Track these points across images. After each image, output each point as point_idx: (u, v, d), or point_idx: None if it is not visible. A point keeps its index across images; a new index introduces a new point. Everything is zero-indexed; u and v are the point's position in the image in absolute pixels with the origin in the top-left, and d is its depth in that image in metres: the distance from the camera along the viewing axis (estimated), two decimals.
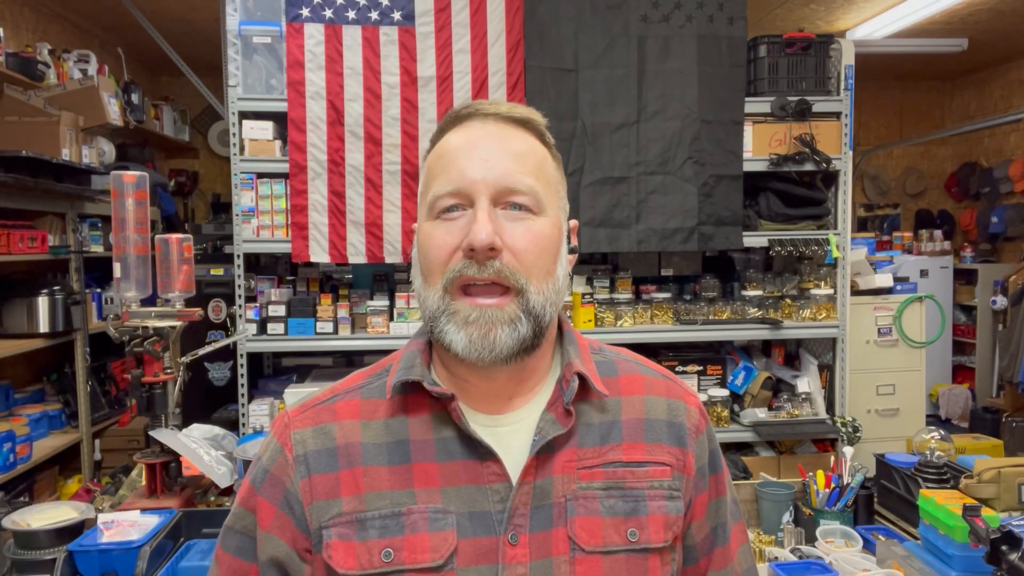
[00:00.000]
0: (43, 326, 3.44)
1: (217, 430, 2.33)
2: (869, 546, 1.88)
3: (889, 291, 3.88)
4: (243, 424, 3.16)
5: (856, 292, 3.76)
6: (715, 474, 0.91)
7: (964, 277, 6.30)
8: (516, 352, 0.78)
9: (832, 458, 2.40)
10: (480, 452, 0.80)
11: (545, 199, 0.81)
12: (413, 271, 0.85)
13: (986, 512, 1.57)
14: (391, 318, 3.30)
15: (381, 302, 3.31)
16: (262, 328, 3.23)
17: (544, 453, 0.81)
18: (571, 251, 0.88)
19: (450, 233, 0.79)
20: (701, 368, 3.51)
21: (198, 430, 2.27)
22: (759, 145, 3.46)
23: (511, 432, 0.83)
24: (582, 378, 0.84)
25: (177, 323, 2.16)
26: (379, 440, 0.82)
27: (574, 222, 0.91)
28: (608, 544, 0.80)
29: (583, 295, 3.43)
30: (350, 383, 0.88)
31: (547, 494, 0.80)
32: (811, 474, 2.07)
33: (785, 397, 3.51)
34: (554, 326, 0.87)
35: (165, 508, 1.91)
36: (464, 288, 0.78)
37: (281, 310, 3.23)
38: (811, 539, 1.96)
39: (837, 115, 3.52)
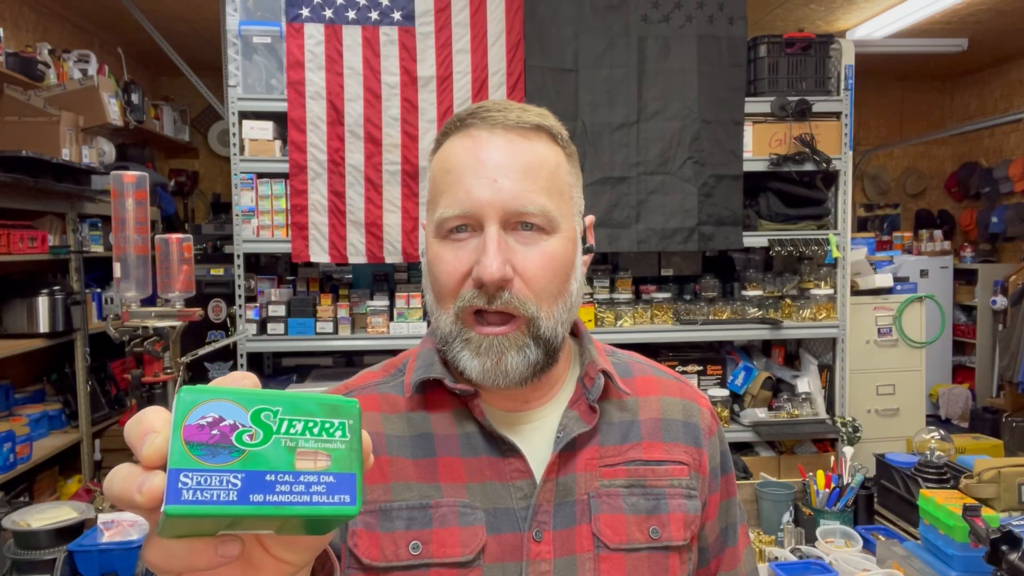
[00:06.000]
0: (43, 326, 3.43)
1: None
2: (869, 546, 1.88)
3: (889, 291, 3.88)
4: None
5: (856, 292, 3.76)
6: (726, 475, 0.92)
7: (964, 277, 6.30)
8: (530, 375, 0.77)
9: (832, 458, 2.40)
10: (502, 449, 0.80)
11: (558, 215, 0.78)
12: (424, 282, 0.83)
13: (986, 512, 1.57)
14: (391, 318, 3.30)
15: (381, 302, 3.31)
16: (262, 328, 3.23)
17: (567, 451, 0.80)
18: (587, 251, 0.86)
19: (459, 258, 0.76)
20: (701, 368, 3.51)
21: None
22: (759, 145, 3.46)
23: (531, 430, 0.83)
24: (605, 376, 0.83)
25: (177, 323, 2.16)
26: (401, 433, 0.81)
27: (590, 218, 0.88)
28: (632, 541, 0.80)
29: (583, 295, 3.42)
30: (364, 380, 0.87)
31: (570, 491, 0.80)
32: (811, 474, 2.07)
33: (785, 397, 3.51)
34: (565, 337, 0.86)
35: None
36: (476, 313, 0.77)
37: (281, 310, 3.23)
38: (811, 539, 1.96)
39: (837, 115, 3.52)
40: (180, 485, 0.38)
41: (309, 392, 0.44)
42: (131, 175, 2.17)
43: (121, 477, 0.40)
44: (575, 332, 0.90)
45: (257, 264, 3.74)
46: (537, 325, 0.76)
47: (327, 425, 0.43)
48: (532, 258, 0.76)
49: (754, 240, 3.47)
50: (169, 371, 2.14)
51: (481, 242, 0.75)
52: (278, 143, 3.23)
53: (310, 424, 0.42)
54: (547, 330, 0.77)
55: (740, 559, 0.93)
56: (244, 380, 0.43)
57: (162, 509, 0.38)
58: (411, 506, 0.78)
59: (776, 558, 1.88)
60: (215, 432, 0.40)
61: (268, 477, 0.40)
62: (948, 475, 2.00)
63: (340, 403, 0.44)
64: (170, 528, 0.39)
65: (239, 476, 0.40)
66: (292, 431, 0.42)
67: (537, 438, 0.82)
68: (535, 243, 0.77)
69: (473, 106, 0.81)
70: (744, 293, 3.61)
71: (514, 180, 0.76)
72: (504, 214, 0.75)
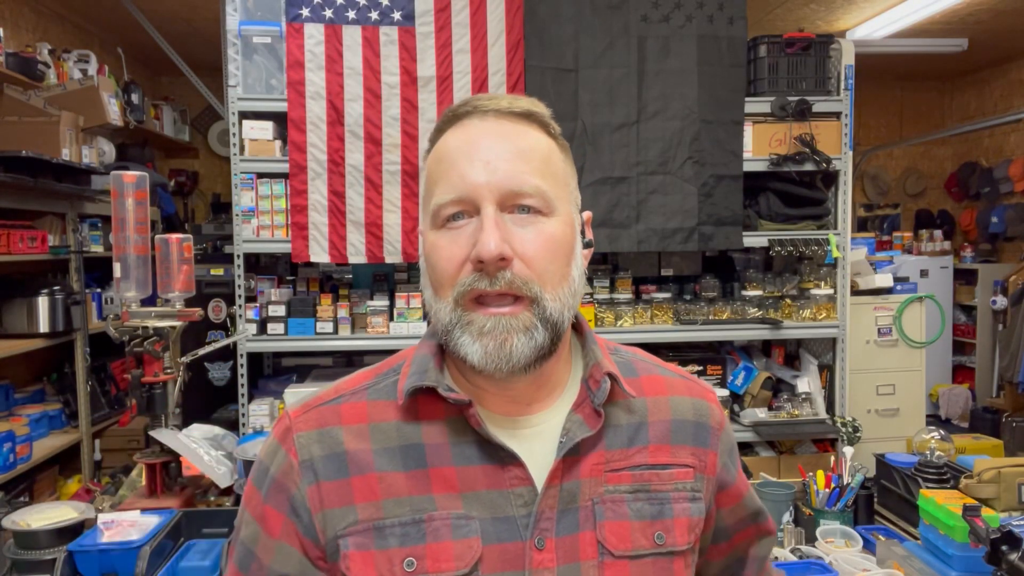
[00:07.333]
0: (43, 326, 3.43)
1: (217, 430, 2.33)
2: (869, 546, 1.87)
3: (889, 291, 3.88)
4: (243, 424, 3.16)
5: (856, 292, 3.76)
6: (736, 468, 0.93)
7: (964, 277, 6.30)
8: (534, 361, 0.75)
9: (832, 458, 2.40)
10: (501, 457, 0.77)
11: (554, 197, 0.77)
12: (423, 280, 0.81)
13: (986, 512, 1.57)
14: (391, 318, 3.30)
15: (381, 302, 3.31)
16: (262, 328, 3.23)
17: (571, 456, 0.78)
18: (586, 245, 0.84)
19: (457, 244, 0.75)
20: (701, 368, 3.51)
21: (198, 430, 2.27)
22: (759, 145, 3.46)
23: (532, 435, 0.81)
24: (612, 379, 0.81)
25: (177, 323, 2.16)
26: (391, 444, 0.78)
27: (587, 214, 0.86)
28: (636, 547, 0.79)
29: (583, 295, 3.43)
30: (355, 383, 0.84)
31: (574, 497, 0.78)
32: (811, 474, 2.07)
33: (785, 397, 3.51)
34: (569, 326, 0.85)
35: (165, 508, 1.91)
36: (477, 299, 0.74)
37: (281, 310, 3.23)
38: (811, 539, 1.96)
39: (837, 115, 3.52)
40: None
41: None
42: (131, 175, 2.17)
43: None
44: (579, 330, 0.88)
45: (257, 264, 3.74)
46: (543, 306, 0.74)
47: None
48: (531, 239, 0.74)
49: (754, 240, 3.47)
50: (169, 371, 2.14)
51: (478, 224, 0.74)
52: (278, 143, 3.23)
53: None
54: (554, 312, 0.75)
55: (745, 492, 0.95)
56: None
57: None
58: (404, 522, 0.75)
59: (776, 558, 1.88)
60: None
61: None
62: (948, 475, 2.00)
63: None
64: None
65: None
66: None
67: (538, 443, 0.80)
68: (533, 224, 0.75)
69: (464, 99, 0.80)
70: (744, 293, 3.61)
71: (508, 162, 0.75)
72: (500, 195, 0.74)
